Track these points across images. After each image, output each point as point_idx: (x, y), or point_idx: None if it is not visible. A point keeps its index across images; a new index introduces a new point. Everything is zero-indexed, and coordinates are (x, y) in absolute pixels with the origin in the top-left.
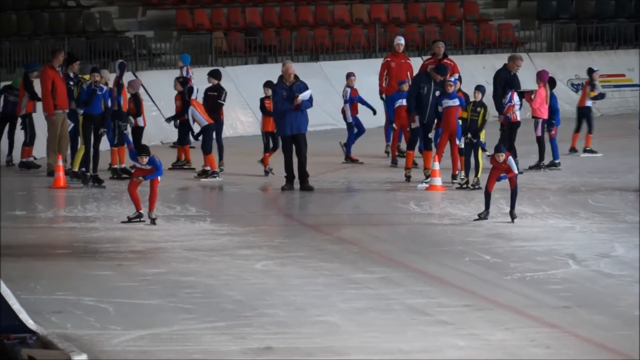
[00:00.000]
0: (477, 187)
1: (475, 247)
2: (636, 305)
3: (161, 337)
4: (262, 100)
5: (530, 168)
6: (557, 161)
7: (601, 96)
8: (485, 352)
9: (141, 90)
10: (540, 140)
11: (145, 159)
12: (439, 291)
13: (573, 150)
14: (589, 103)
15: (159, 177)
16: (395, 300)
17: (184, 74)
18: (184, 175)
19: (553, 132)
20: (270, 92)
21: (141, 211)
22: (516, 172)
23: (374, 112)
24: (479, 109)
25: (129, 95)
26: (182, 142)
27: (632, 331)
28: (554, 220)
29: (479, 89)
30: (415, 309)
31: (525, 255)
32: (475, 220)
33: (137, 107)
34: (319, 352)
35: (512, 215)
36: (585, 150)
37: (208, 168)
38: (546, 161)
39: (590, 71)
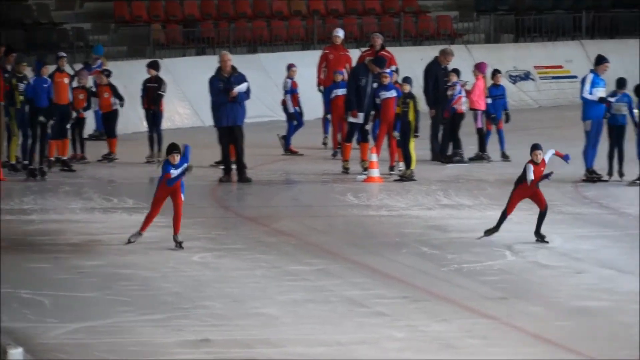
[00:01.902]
0: (412, 178)
1: (413, 239)
2: (573, 295)
3: (98, 330)
4: None
5: (471, 160)
6: (504, 151)
7: None
8: (422, 343)
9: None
10: (480, 132)
11: (177, 158)
12: (376, 283)
13: None
14: None
15: (182, 196)
16: (333, 292)
17: (97, 65)
18: (121, 167)
19: (500, 124)
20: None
21: (143, 233)
22: (552, 152)
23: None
24: (408, 101)
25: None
26: (109, 135)
27: (568, 322)
28: (491, 211)
29: (406, 81)
30: (353, 300)
31: (462, 247)
32: (481, 237)
33: (87, 99)
34: (256, 344)
35: (541, 236)
36: None
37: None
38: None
39: None
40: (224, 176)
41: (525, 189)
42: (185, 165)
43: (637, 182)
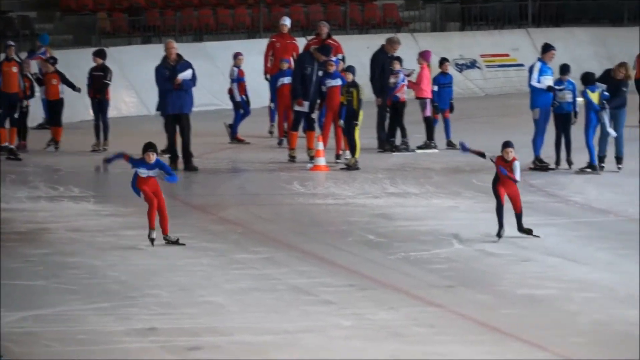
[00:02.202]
0: (357, 167)
1: (359, 227)
2: (519, 283)
3: (45, 318)
4: None
5: (419, 148)
6: (450, 139)
7: None
8: (369, 331)
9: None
10: (428, 120)
11: (153, 157)
12: (323, 271)
13: None
14: None
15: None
16: (279, 281)
17: (41, 52)
18: (67, 156)
19: (447, 113)
20: None
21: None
22: (518, 178)
23: None
24: (351, 90)
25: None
26: (54, 123)
27: (514, 310)
28: (438, 199)
29: (349, 69)
30: (299, 289)
31: (409, 235)
32: (496, 241)
33: (30, 87)
34: (203, 332)
35: (527, 230)
36: None
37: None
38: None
39: None
40: (170, 164)
41: (505, 184)
42: (157, 170)
43: (587, 170)
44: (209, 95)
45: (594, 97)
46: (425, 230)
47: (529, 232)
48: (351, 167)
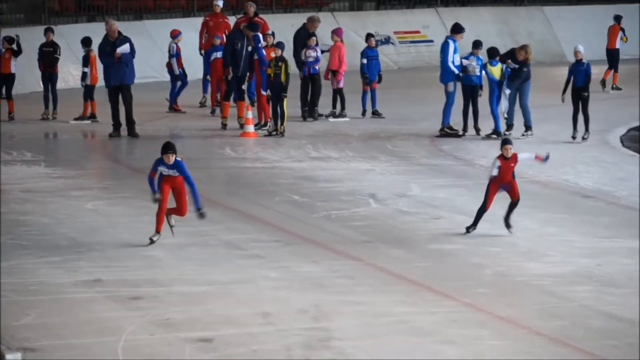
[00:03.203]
0: (283, 134)
1: (285, 188)
2: (431, 239)
3: (1, 271)
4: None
5: (334, 117)
6: (376, 109)
7: None
8: (295, 282)
9: None
10: (339, 92)
11: (172, 158)
12: (252, 228)
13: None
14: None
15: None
16: (213, 237)
17: None
18: (19, 124)
19: (374, 84)
20: None
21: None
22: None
23: None
24: (280, 64)
25: None
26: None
27: (427, 263)
28: (356, 163)
29: (278, 45)
30: (231, 244)
31: (330, 195)
32: (464, 233)
33: None
34: (144, 284)
35: (508, 224)
36: (613, 88)
37: None
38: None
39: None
40: (114, 132)
41: (497, 182)
42: (175, 170)
43: (492, 136)
44: (149, 68)
45: (495, 70)
46: (345, 191)
47: (507, 226)
48: (281, 134)
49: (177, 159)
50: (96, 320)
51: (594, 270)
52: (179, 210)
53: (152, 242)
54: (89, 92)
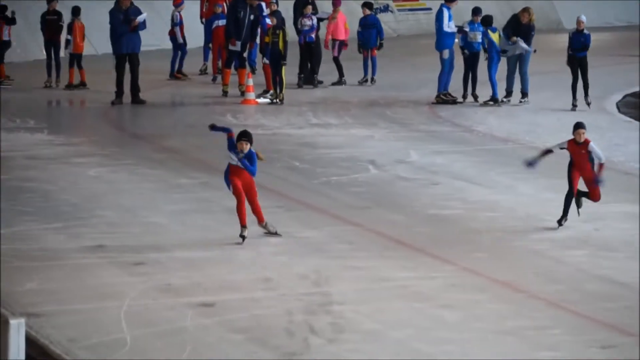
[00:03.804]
0: (282, 102)
1: (286, 154)
2: (429, 204)
3: (5, 237)
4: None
5: (333, 84)
6: (375, 77)
7: None
8: (295, 247)
9: None
10: (336, 60)
11: (247, 147)
12: None
13: None
14: None
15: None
16: (215, 203)
17: None
18: (22, 92)
19: (375, 51)
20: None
21: (246, 225)
22: (603, 159)
23: None
24: (278, 32)
25: None
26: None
27: (425, 228)
28: (355, 130)
29: (275, 14)
30: (232, 210)
31: (330, 162)
32: (556, 228)
33: None
34: (146, 250)
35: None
36: None
37: None
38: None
39: None
40: (116, 99)
41: (577, 170)
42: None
43: (489, 102)
44: (151, 36)
45: (495, 37)
46: (345, 157)
47: (578, 205)
48: (281, 101)
49: (252, 150)
50: (99, 286)
51: (591, 234)
52: (252, 205)
53: (244, 238)
54: (74, 60)
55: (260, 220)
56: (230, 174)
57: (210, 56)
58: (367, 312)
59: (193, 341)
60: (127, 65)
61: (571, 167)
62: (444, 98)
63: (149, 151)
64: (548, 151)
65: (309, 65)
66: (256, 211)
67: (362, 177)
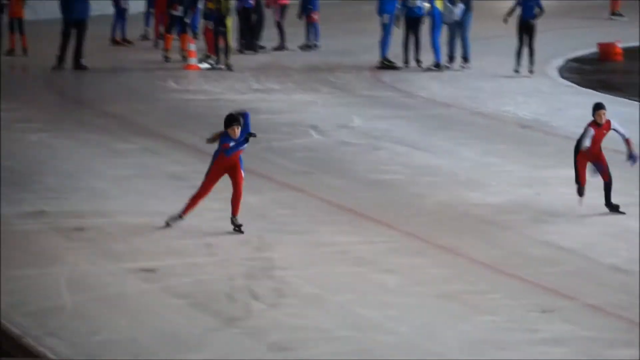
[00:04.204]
0: (231, 68)
1: None
2: (371, 169)
3: None
4: None
5: (275, 49)
6: (317, 43)
7: None
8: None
9: None
10: (279, 25)
11: (238, 131)
12: (194, 159)
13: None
14: None
15: (242, 173)
16: (156, 168)
17: None
18: None
19: (315, 16)
20: None
21: (184, 217)
22: (626, 135)
23: None
24: None
25: None
26: None
27: (367, 193)
28: (298, 95)
29: None
30: (174, 175)
31: (272, 127)
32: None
33: None
34: (88, 215)
35: (612, 207)
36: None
37: None
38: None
39: None
40: (58, 65)
41: (586, 154)
42: (245, 135)
43: (432, 68)
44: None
45: (438, 3)
46: (287, 123)
47: (615, 208)
48: (228, 67)
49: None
50: (40, 252)
51: (532, 199)
52: (236, 194)
53: (168, 225)
54: (14, 25)
55: (234, 213)
56: (216, 159)
57: (152, 21)
58: (308, 276)
59: (134, 306)
60: (74, 31)
61: (578, 154)
62: (386, 63)
63: (90, 116)
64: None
65: (249, 31)
66: (236, 202)
67: (304, 143)
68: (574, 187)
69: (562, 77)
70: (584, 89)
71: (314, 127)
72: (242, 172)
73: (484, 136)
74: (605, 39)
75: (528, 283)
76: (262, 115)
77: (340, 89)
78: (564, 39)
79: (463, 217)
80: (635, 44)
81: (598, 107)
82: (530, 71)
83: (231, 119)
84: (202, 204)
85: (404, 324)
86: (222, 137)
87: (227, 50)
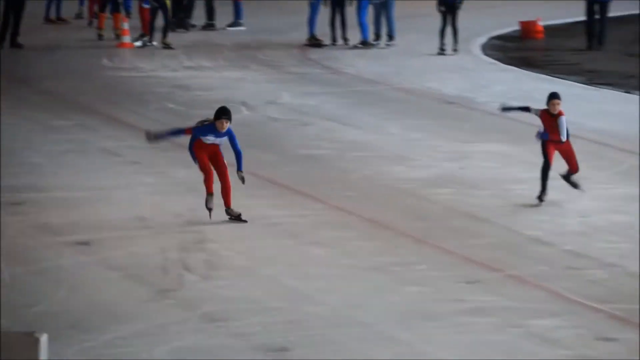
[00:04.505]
0: (170, 46)
1: (161, 97)
2: (300, 145)
3: None
4: None
5: (204, 28)
6: (241, 20)
7: None
8: (170, 187)
9: None
10: (209, 3)
11: (227, 125)
12: (128, 135)
13: None
14: None
15: (225, 163)
16: (91, 144)
17: None
18: None
19: None
20: None
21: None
22: (564, 138)
23: None
24: None
25: None
26: None
27: (296, 168)
28: (228, 72)
29: None
30: (109, 151)
31: (203, 103)
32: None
33: None
34: (24, 189)
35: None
36: None
37: None
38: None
39: None
40: None
41: (551, 142)
42: (225, 138)
43: (359, 45)
44: None
45: None
46: (218, 99)
47: (574, 185)
48: (166, 45)
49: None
50: None
51: (457, 173)
52: (224, 185)
53: (210, 211)
54: None
55: (227, 204)
56: (196, 147)
57: (87, 1)
58: (239, 249)
59: (70, 279)
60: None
61: (545, 140)
62: (314, 41)
63: (26, 93)
64: (526, 109)
65: (181, 9)
66: (226, 193)
67: (235, 119)
68: (496, 161)
69: (485, 54)
70: (506, 65)
71: (244, 104)
72: (224, 161)
73: (409, 112)
74: (527, 18)
75: (453, 255)
76: (193, 91)
77: (269, 66)
78: (487, 17)
79: (390, 190)
80: (555, 21)
81: (552, 97)
82: (455, 49)
83: (223, 112)
84: (135, 178)
85: (333, 295)
86: (204, 129)
87: (166, 28)
